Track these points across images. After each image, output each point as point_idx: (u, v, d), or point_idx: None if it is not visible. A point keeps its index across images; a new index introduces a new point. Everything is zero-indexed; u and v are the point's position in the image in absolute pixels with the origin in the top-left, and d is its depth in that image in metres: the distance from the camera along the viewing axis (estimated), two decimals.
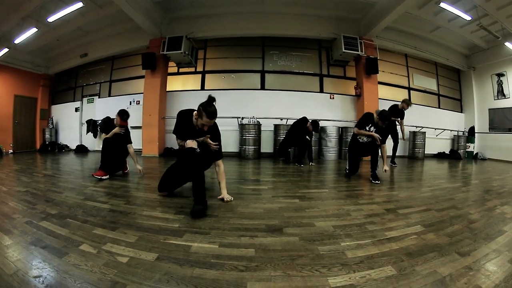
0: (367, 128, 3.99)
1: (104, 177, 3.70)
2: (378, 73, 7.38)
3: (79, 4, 6.20)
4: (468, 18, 6.72)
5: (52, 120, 9.66)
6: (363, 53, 7.16)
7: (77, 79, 9.64)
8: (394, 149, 6.29)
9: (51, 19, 6.66)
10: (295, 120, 5.86)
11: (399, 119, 6.06)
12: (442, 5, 6.22)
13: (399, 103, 6.02)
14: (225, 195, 2.65)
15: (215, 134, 2.65)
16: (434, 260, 1.49)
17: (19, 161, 6.35)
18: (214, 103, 2.39)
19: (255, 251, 1.60)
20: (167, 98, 7.72)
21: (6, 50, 7.85)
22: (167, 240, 1.70)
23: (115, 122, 4.04)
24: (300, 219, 2.18)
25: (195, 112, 2.49)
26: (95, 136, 8.58)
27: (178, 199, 2.71)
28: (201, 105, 2.36)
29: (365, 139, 4.05)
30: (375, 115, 3.97)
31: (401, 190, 3.48)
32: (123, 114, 4.00)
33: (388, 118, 3.83)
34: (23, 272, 1.28)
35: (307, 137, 5.61)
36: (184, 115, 2.62)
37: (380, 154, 4.06)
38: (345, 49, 6.95)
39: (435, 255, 1.56)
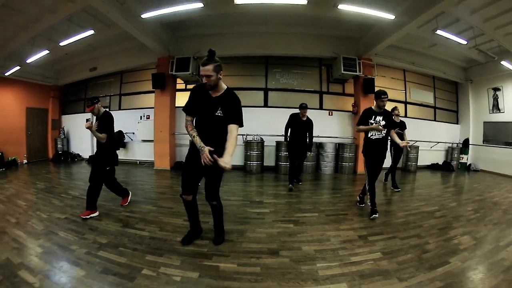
0: (372, 122, 4.14)
1: (128, 201, 4.56)
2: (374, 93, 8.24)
3: (90, 32, 6.67)
4: (464, 42, 7.17)
5: (64, 130, 10.68)
6: (361, 73, 8.04)
7: (87, 90, 10.59)
8: (393, 168, 6.39)
9: (63, 43, 7.14)
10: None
11: (397, 111, 6.22)
12: (439, 32, 6.60)
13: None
14: (223, 160, 2.33)
15: (234, 103, 2.67)
16: (377, 282, 2.38)
17: (38, 175, 7.30)
18: (215, 55, 2.50)
19: (260, 268, 2.58)
20: (176, 114, 8.65)
21: (17, 68, 8.58)
22: (202, 262, 2.65)
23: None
24: (292, 243, 3.15)
25: None
26: None
27: (201, 224, 3.65)
28: None
29: (376, 134, 4.18)
30: (373, 106, 4.22)
31: (380, 215, 4.17)
32: (88, 101, 4.10)
33: (382, 92, 4.06)
34: None
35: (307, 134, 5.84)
36: (198, 87, 2.74)
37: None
38: (344, 70, 7.82)
39: (380, 278, 2.45)
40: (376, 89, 8.22)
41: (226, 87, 2.73)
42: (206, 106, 2.64)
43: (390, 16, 5.71)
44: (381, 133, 4.16)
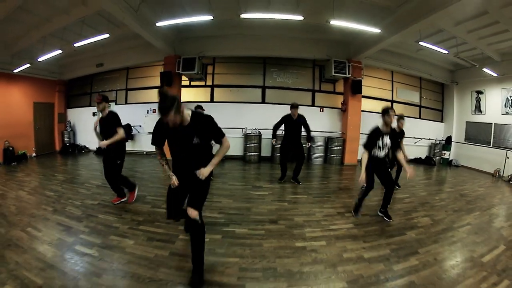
0: (379, 142, 4.14)
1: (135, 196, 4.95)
2: (361, 93, 9.45)
3: (106, 35, 7.22)
4: (445, 52, 7.72)
5: (70, 123, 11.60)
6: (351, 75, 9.13)
7: (92, 85, 11.46)
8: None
9: (77, 44, 7.49)
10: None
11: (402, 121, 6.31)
12: (421, 43, 7.25)
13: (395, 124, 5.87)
14: (199, 172, 2.58)
15: (208, 125, 2.63)
16: (347, 242, 3.54)
17: (52, 167, 8.18)
18: (168, 95, 2.31)
19: (264, 232, 3.76)
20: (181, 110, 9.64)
21: (28, 65, 8.85)
22: (222, 228, 3.80)
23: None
24: (286, 216, 4.38)
25: None
26: None
27: (216, 203, 4.78)
28: None
29: (380, 154, 4.22)
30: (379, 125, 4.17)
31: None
32: (100, 95, 4.40)
33: (389, 107, 4.05)
34: (162, 253, 3.12)
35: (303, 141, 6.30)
36: (162, 120, 2.46)
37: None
38: (334, 72, 8.95)
39: (350, 239, 3.60)
40: (364, 88, 9.53)
41: (190, 112, 2.57)
42: (179, 136, 2.55)
43: (376, 30, 6.69)
44: (385, 152, 4.26)
